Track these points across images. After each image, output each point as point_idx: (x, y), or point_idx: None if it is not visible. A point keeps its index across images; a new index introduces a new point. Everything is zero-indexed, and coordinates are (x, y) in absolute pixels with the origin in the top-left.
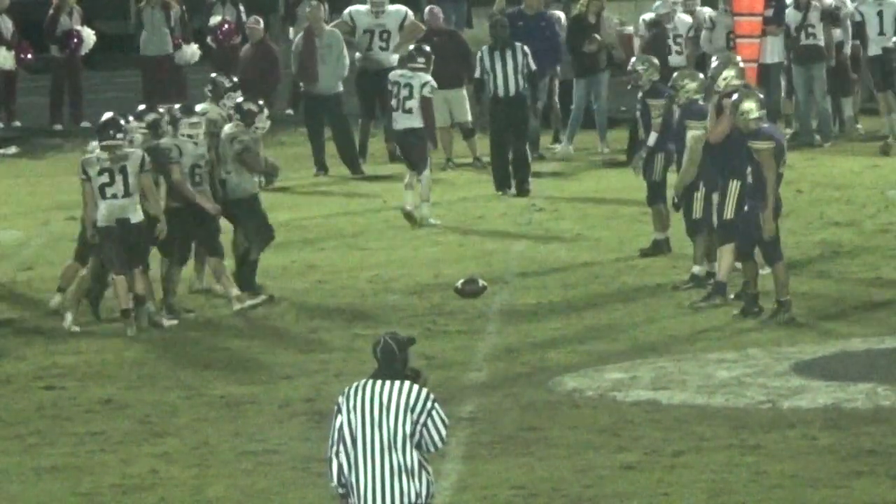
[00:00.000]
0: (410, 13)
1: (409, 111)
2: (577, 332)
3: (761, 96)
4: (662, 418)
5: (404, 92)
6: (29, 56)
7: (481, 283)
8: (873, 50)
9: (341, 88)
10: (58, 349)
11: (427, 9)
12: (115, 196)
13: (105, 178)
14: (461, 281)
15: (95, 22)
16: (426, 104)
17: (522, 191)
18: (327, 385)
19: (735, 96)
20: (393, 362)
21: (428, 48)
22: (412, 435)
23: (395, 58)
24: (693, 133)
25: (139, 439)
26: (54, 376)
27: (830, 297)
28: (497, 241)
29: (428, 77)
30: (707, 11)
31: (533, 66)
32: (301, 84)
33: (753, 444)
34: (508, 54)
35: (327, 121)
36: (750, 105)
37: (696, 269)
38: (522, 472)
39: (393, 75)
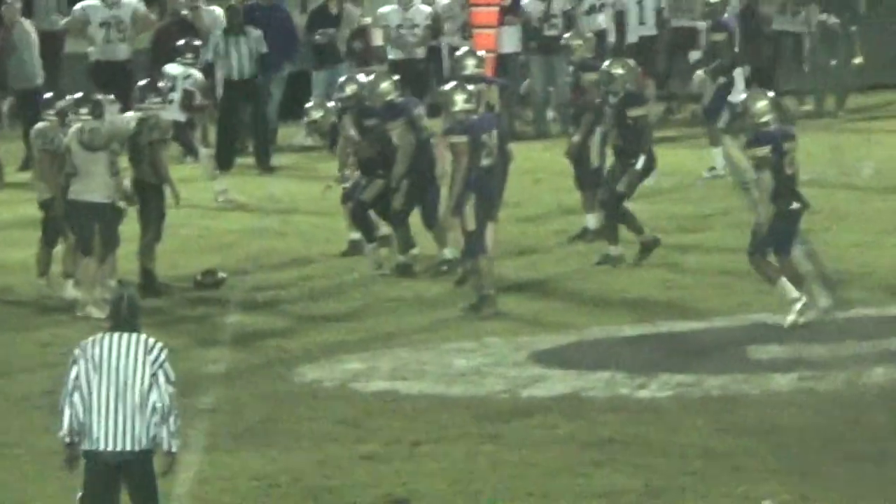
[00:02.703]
0: (142, 5)
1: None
2: (316, 322)
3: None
4: (402, 408)
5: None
6: None
7: (220, 274)
8: (632, 38)
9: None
10: None
11: None
12: None
13: None
14: (200, 273)
15: None
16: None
17: (265, 166)
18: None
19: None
20: (135, 316)
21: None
22: (150, 379)
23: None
24: None
25: None
26: None
27: (569, 286)
28: (237, 232)
29: (193, 70)
30: (444, 1)
31: (264, 49)
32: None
33: (493, 433)
34: (241, 38)
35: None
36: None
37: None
38: (263, 463)
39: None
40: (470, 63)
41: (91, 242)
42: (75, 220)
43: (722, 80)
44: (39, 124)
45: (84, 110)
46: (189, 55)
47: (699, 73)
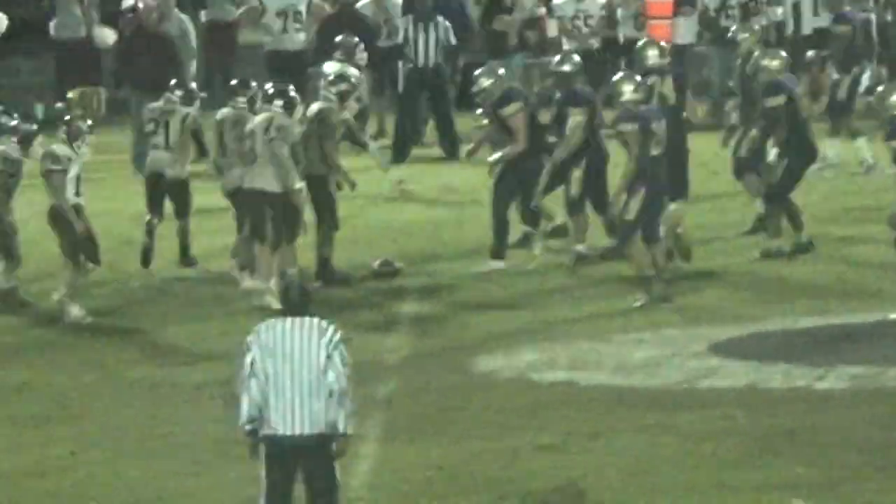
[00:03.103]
0: None
1: None
2: (494, 313)
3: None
4: (579, 399)
5: None
6: None
7: (397, 264)
8: (806, 29)
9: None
10: None
11: None
12: None
13: None
14: (377, 262)
15: (7, 6)
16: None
17: (453, 154)
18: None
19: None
20: (307, 302)
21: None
22: (325, 361)
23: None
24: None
25: (55, 422)
26: None
27: (746, 277)
28: (414, 222)
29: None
30: None
31: (453, 41)
32: None
33: (670, 425)
34: (430, 26)
35: None
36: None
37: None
38: (439, 453)
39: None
40: (651, 54)
41: (264, 231)
42: (248, 208)
43: (854, 71)
44: (228, 111)
45: (278, 102)
46: (345, 54)
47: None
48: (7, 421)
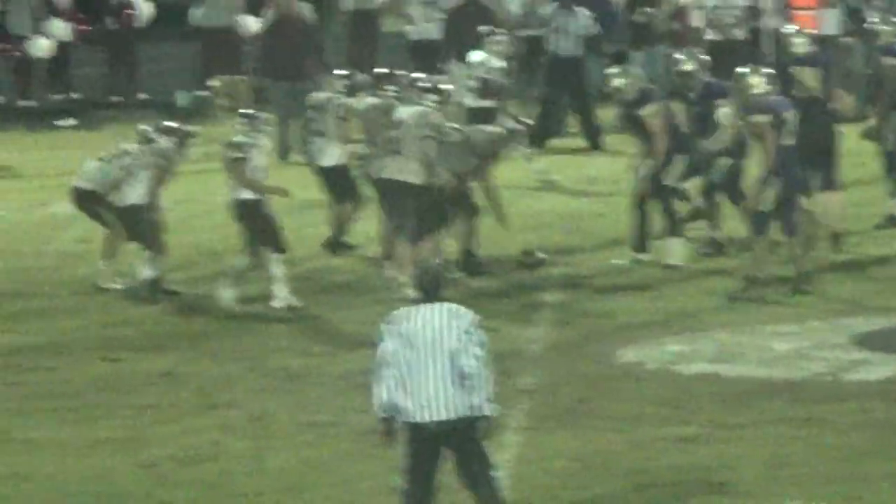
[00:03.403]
0: None
1: None
2: (638, 305)
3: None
4: (722, 391)
5: None
6: (85, 27)
7: (540, 255)
8: None
9: None
10: (116, 320)
11: None
12: None
13: None
14: (521, 252)
15: None
16: None
17: (594, 143)
18: None
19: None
20: (440, 288)
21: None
22: (460, 345)
23: None
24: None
25: (199, 411)
26: (112, 348)
27: (890, 270)
28: (555, 212)
29: (493, 60)
30: None
31: (596, 30)
32: None
33: (812, 417)
34: (572, 16)
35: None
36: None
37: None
38: (581, 444)
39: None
40: (799, 41)
41: (405, 222)
42: (389, 199)
43: None
44: (376, 100)
45: (432, 97)
46: (490, 44)
47: None
48: (151, 410)
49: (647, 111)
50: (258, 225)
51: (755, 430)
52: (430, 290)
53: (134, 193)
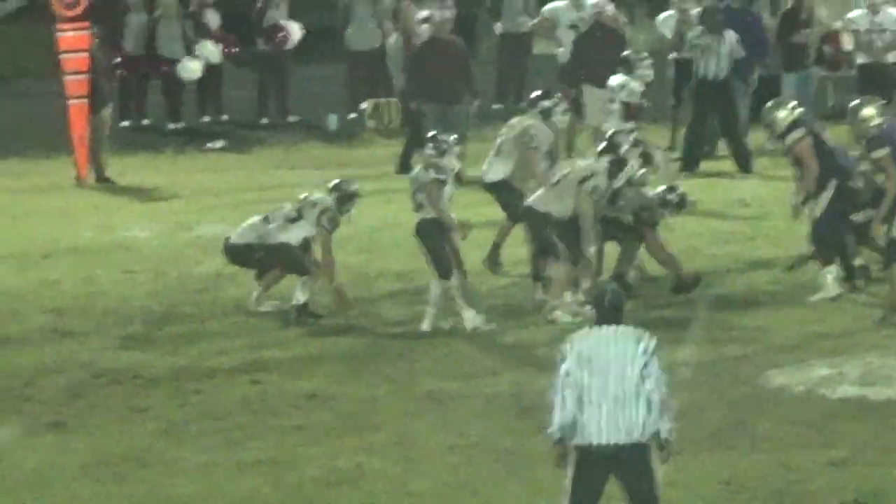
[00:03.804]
0: (611, 5)
1: None
2: (784, 328)
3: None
4: (870, 415)
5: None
6: (235, 49)
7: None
8: None
9: None
10: (262, 343)
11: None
12: None
13: None
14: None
15: (303, 15)
16: None
17: (746, 167)
18: (532, 380)
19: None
20: (619, 310)
21: (642, 54)
22: (641, 369)
23: None
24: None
25: (343, 433)
26: (258, 370)
27: None
28: (704, 234)
29: (635, 84)
30: None
31: (743, 53)
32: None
33: None
34: (721, 39)
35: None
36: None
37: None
38: (727, 466)
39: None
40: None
41: (555, 250)
42: (534, 228)
43: None
44: (529, 121)
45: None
46: (640, 68)
47: None
48: (296, 431)
49: (793, 137)
50: (435, 245)
51: None
52: (609, 311)
53: (286, 236)
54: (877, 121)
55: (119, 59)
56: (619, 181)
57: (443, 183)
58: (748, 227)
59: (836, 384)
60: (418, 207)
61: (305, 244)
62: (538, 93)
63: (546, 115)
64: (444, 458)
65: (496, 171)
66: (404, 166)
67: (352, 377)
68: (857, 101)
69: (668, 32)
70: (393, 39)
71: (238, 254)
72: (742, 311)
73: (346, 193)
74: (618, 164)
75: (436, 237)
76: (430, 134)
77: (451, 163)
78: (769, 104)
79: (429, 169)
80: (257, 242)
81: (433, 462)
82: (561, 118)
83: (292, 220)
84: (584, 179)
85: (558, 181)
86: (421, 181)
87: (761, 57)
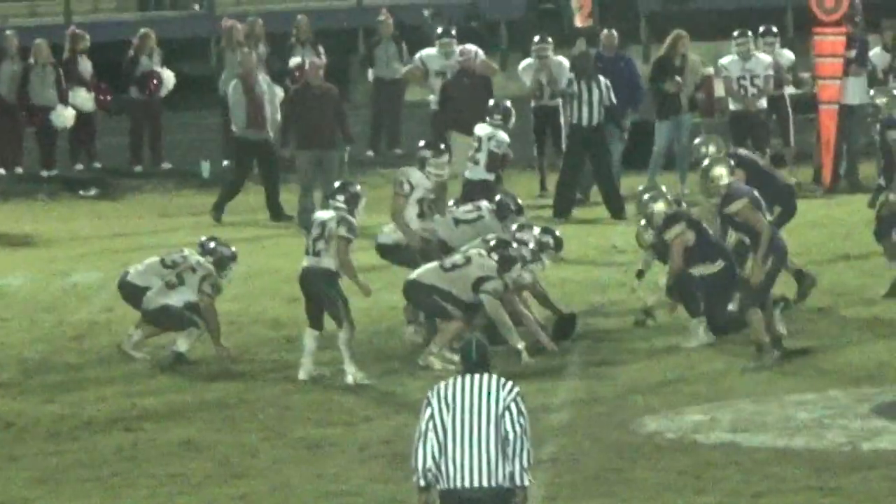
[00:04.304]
0: (481, 52)
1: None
2: (658, 375)
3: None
4: (743, 460)
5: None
6: (108, 97)
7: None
8: None
9: (272, 135)
10: (138, 390)
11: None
12: None
13: None
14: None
15: (175, 63)
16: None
17: (618, 214)
18: (406, 427)
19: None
20: (486, 361)
21: (507, 103)
22: (502, 413)
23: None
24: None
25: (219, 481)
26: (134, 418)
27: None
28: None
29: (503, 135)
30: (789, 54)
31: (613, 100)
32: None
33: (834, 486)
34: (593, 85)
35: (260, 167)
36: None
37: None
38: None
39: (477, 129)
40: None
41: (444, 308)
42: (420, 298)
43: None
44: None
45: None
46: (497, 116)
47: None
48: (172, 479)
49: (672, 232)
50: (331, 296)
51: (777, 498)
52: (475, 361)
53: (168, 300)
54: (727, 179)
55: None
56: (509, 279)
57: (350, 241)
58: (622, 274)
59: (708, 430)
60: (314, 253)
61: (188, 306)
62: (422, 142)
63: (421, 164)
64: None
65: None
66: (219, 210)
67: (226, 425)
68: (707, 162)
69: (528, 80)
70: (231, 86)
71: (132, 294)
72: (616, 356)
73: (224, 258)
74: (508, 262)
75: (325, 287)
76: (340, 184)
77: (360, 217)
78: (646, 195)
79: (340, 223)
80: (143, 307)
81: None
82: (435, 172)
83: (172, 287)
84: (479, 280)
85: (452, 267)
86: (330, 233)
87: (635, 103)
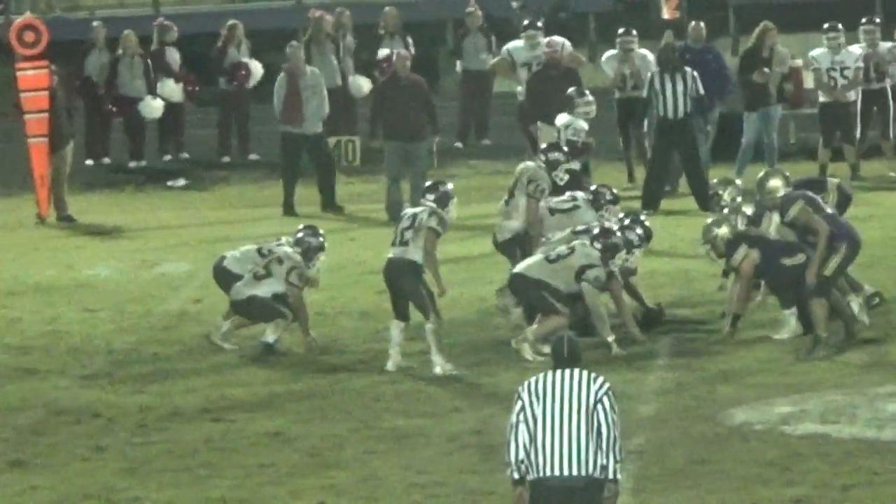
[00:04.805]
0: (568, 44)
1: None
2: (746, 366)
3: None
4: (832, 452)
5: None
6: (196, 88)
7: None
8: None
9: (321, 128)
10: (227, 381)
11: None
12: None
13: None
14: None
15: (263, 54)
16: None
17: (705, 205)
18: (495, 418)
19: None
20: (576, 356)
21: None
22: (594, 406)
23: None
24: None
25: (307, 471)
26: (223, 408)
27: None
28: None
29: (581, 123)
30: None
31: (701, 91)
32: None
33: None
34: (678, 77)
35: (311, 160)
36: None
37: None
38: None
39: (558, 119)
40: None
41: (553, 304)
42: (526, 291)
43: None
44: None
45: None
46: (580, 106)
47: None
48: (260, 469)
49: (737, 258)
50: (416, 287)
51: (866, 491)
52: (566, 357)
53: (255, 291)
54: (783, 191)
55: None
56: (614, 266)
57: (439, 235)
58: (710, 265)
59: (798, 421)
60: (402, 244)
61: (276, 297)
62: (429, 183)
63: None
64: (407, 496)
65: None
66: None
67: (315, 416)
68: (762, 173)
69: (610, 72)
70: (278, 79)
71: (225, 280)
72: (705, 347)
73: (311, 248)
74: (612, 250)
75: (411, 278)
76: (431, 183)
77: (452, 214)
78: (709, 220)
79: (431, 215)
80: (231, 298)
81: (396, 500)
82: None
83: (260, 278)
84: (582, 269)
85: (556, 259)
86: (420, 224)
87: (722, 94)
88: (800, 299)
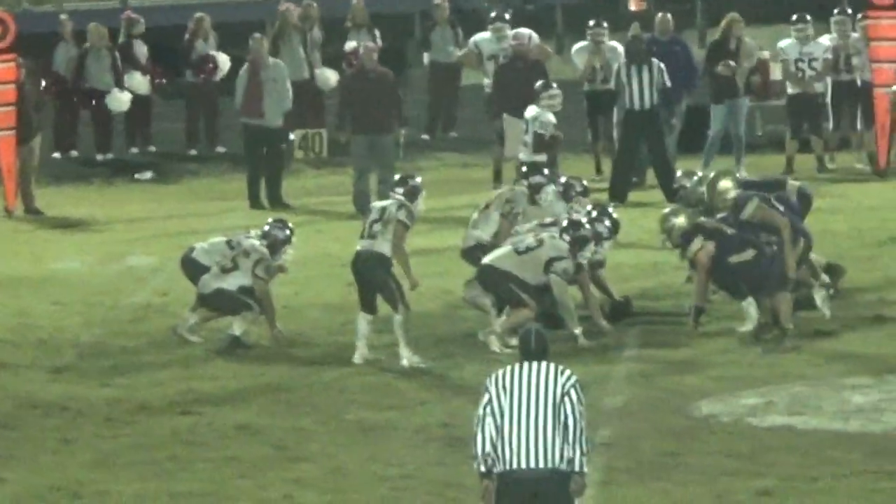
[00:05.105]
0: (536, 36)
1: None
2: (713, 358)
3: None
4: (798, 443)
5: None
6: (163, 81)
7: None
8: None
9: (282, 122)
10: (194, 374)
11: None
12: None
13: None
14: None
15: (231, 47)
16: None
17: (672, 197)
18: (462, 410)
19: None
20: (544, 349)
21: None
22: (561, 398)
23: None
24: None
25: (274, 464)
26: (190, 402)
27: None
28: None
29: (548, 116)
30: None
31: (668, 83)
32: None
33: (890, 470)
34: (645, 69)
35: (266, 153)
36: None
37: None
38: (659, 497)
39: (526, 111)
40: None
41: (521, 297)
42: (494, 283)
43: None
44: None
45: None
46: (545, 99)
47: None
48: (227, 462)
49: (692, 249)
50: (385, 280)
51: (834, 482)
52: (533, 350)
53: (222, 284)
54: (734, 192)
55: (51, 86)
56: (583, 258)
57: (408, 228)
58: (677, 257)
59: (764, 413)
60: (370, 236)
61: (242, 290)
62: (398, 176)
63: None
64: (374, 489)
65: None
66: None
67: (282, 409)
68: (711, 175)
69: (580, 64)
70: (241, 70)
71: (194, 271)
72: (672, 339)
73: (278, 240)
74: (580, 242)
75: (381, 271)
76: (400, 176)
77: (420, 207)
78: (666, 209)
79: (400, 208)
80: (198, 291)
81: (364, 493)
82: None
83: (227, 271)
84: (551, 260)
85: (525, 251)
86: (389, 217)
87: (689, 86)
88: (753, 287)
